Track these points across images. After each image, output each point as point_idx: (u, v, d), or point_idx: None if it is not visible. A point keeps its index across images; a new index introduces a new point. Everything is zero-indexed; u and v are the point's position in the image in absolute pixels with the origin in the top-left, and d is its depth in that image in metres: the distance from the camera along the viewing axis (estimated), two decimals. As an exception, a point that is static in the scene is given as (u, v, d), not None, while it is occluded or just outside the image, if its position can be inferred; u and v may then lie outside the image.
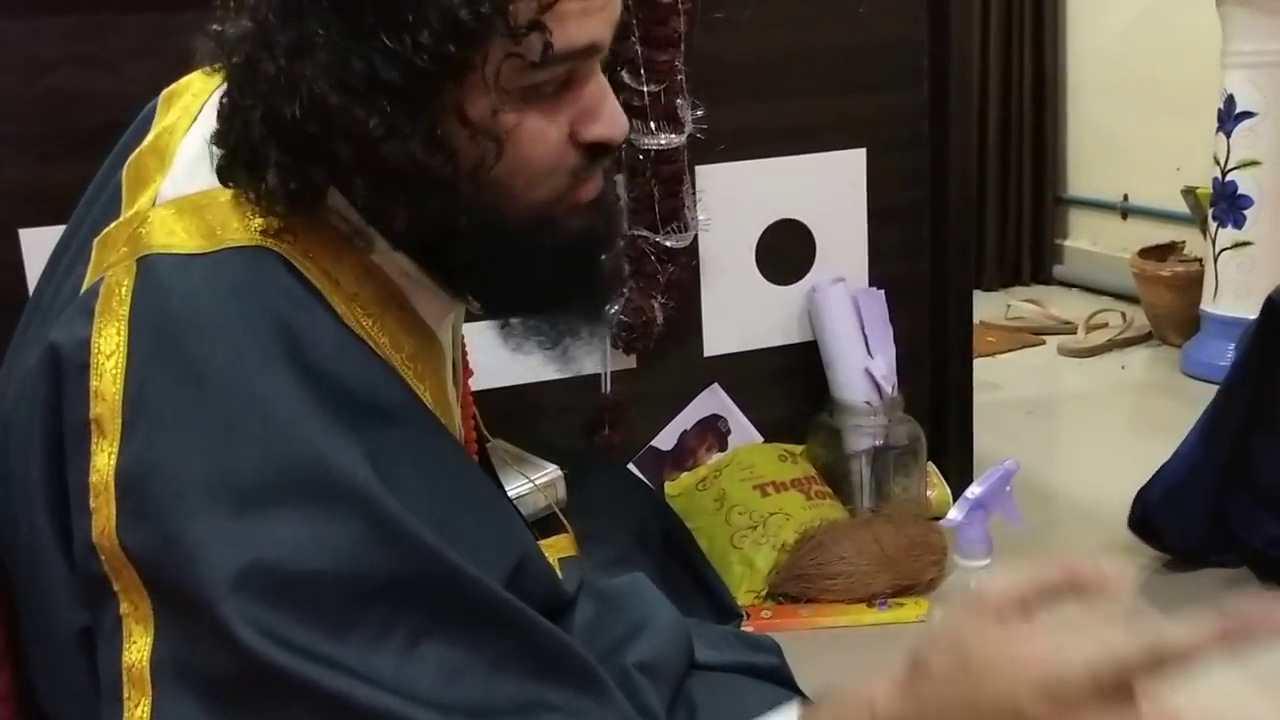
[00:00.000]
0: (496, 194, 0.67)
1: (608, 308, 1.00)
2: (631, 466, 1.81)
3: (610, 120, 0.69)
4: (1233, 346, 2.59)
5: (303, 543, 0.59)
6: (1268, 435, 1.54)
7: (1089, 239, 3.57)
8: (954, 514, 1.54)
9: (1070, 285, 3.53)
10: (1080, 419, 2.61)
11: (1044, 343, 3.00)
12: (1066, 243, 3.65)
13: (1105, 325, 3.02)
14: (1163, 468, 1.67)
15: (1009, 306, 3.24)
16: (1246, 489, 1.59)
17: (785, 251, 1.86)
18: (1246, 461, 1.57)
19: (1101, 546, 1.87)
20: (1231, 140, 2.55)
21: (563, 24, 0.63)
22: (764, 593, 1.67)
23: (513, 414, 1.61)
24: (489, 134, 0.64)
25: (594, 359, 1.73)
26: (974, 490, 1.56)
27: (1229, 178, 2.57)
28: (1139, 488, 1.71)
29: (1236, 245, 2.58)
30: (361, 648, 0.59)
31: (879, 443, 1.80)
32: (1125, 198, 3.40)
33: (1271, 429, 1.53)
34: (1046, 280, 3.59)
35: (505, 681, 0.62)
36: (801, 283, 1.87)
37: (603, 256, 0.76)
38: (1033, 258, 3.59)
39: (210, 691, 0.59)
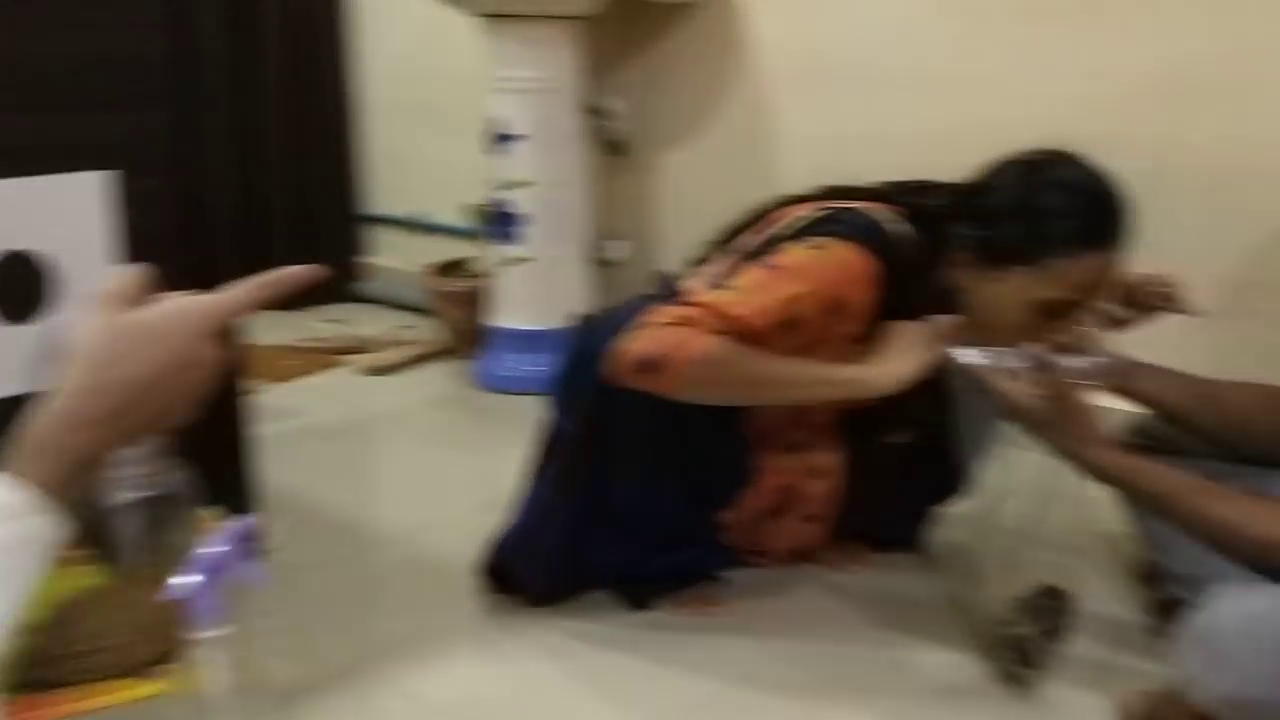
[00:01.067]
0: None
1: None
2: None
3: None
4: (517, 357, 2.75)
5: None
6: (624, 477, 1.59)
7: (391, 256, 3.61)
8: (181, 581, 1.36)
9: (376, 302, 3.55)
10: (381, 440, 2.60)
11: (347, 363, 2.97)
12: (370, 260, 3.66)
13: (406, 342, 3.06)
14: (515, 519, 1.67)
15: (311, 327, 3.17)
16: (607, 524, 1.64)
17: (19, 287, 1.60)
18: (607, 501, 1.62)
19: (407, 570, 1.86)
20: (502, 161, 2.68)
21: None
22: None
23: None
24: None
25: None
26: (202, 554, 1.40)
27: (502, 196, 2.70)
28: (484, 535, 1.71)
29: (515, 261, 2.72)
30: None
31: (144, 493, 1.61)
32: (420, 215, 3.49)
33: (628, 470, 1.59)
34: (352, 299, 3.58)
35: None
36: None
37: None
38: (335, 276, 3.56)
39: None
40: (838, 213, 1.57)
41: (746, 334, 1.46)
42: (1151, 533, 1.66)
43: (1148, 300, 1.64)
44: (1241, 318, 2.08)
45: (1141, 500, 1.34)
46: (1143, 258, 1.51)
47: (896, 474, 1.83)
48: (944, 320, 1.44)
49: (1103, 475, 1.34)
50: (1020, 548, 1.55)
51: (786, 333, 1.48)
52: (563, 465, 1.59)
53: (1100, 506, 1.57)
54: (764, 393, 1.49)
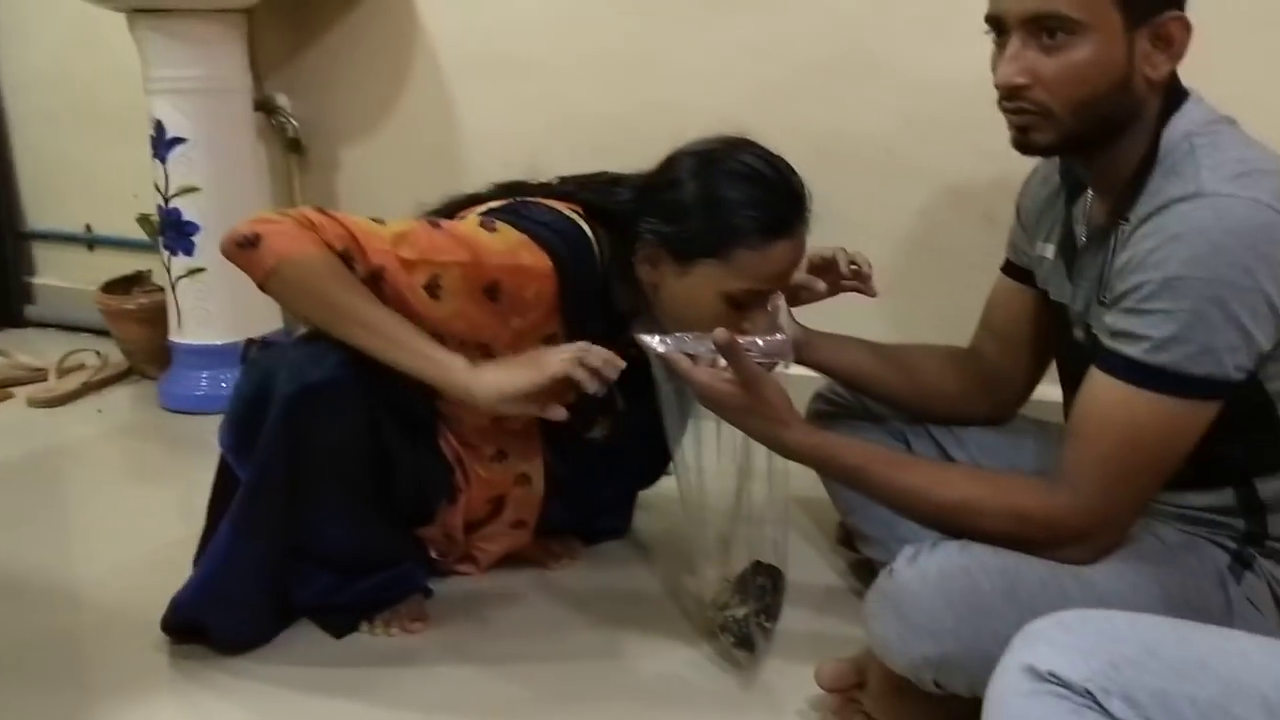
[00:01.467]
0: None
1: None
2: None
3: None
4: (205, 375, 2.57)
5: None
6: (316, 514, 1.49)
7: (59, 275, 3.32)
8: None
9: (47, 325, 3.26)
10: (63, 479, 2.34)
11: (13, 395, 2.69)
12: (36, 280, 3.35)
13: (81, 366, 2.81)
14: (202, 571, 1.51)
15: (-31, 360, 2.87)
16: (302, 561, 1.54)
17: None
18: (300, 541, 1.52)
19: (98, 623, 1.68)
20: (169, 167, 2.49)
21: None
22: None
23: None
24: None
25: None
26: None
27: (173, 204, 2.51)
28: (171, 587, 1.55)
29: (191, 273, 2.54)
30: None
31: None
32: (89, 228, 3.22)
33: (319, 507, 1.48)
34: (20, 323, 3.27)
35: None
36: None
37: None
38: (-3, 300, 3.24)
39: None
40: (518, 205, 1.53)
41: (374, 271, 1.40)
42: (843, 497, 1.70)
43: (837, 280, 1.67)
44: (915, 282, 2.17)
45: (836, 475, 1.37)
46: (821, 237, 1.54)
47: (600, 467, 1.81)
48: (596, 350, 1.41)
49: (797, 455, 1.35)
50: (727, 526, 1.55)
51: (431, 299, 1.42)
52: (247, 512, 1.47)
53: (797, 476, 1.58)
54: (346, 328, 1.39)
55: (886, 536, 1.59)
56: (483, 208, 1.54)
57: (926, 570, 1.24)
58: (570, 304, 1.51)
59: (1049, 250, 1.50)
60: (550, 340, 1.54)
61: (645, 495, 1.91)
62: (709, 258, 1.43)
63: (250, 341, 1.62)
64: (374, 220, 1.44)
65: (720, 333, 1.28)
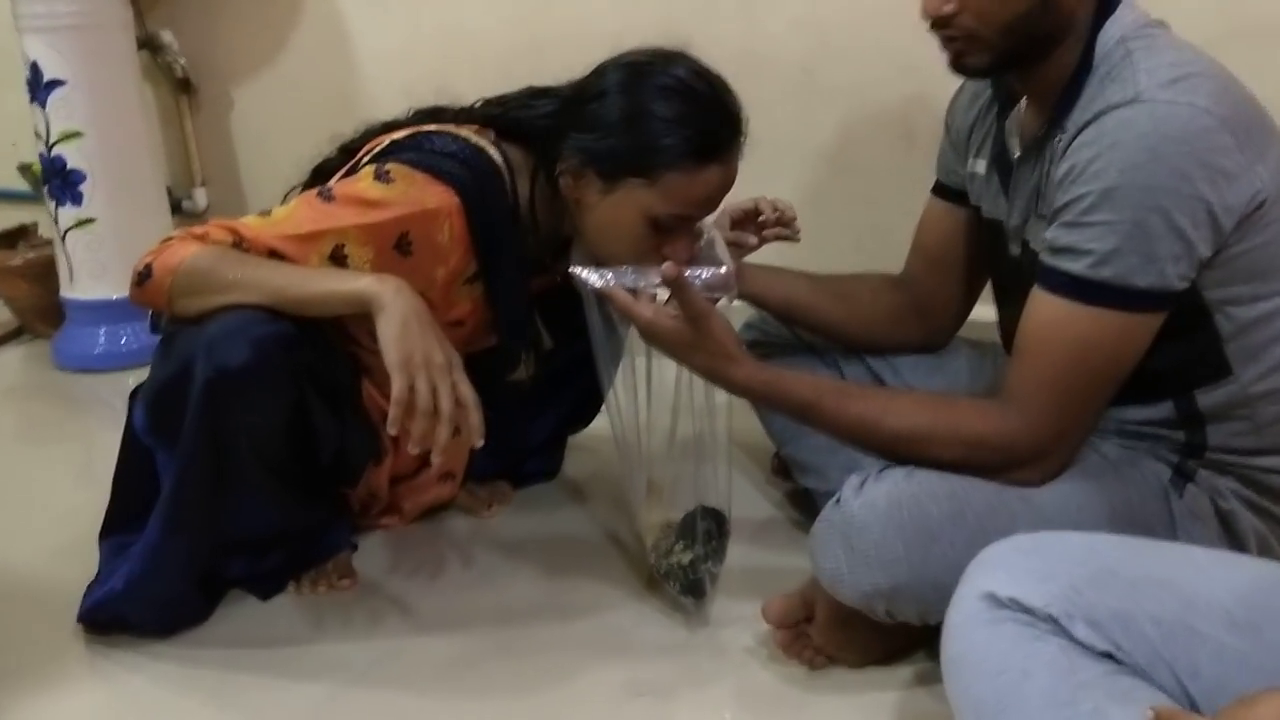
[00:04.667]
0: None
1: None
2: None
3: None
4: (102, 331, 2.44)
5: None
6: (240, 496, 1.39)
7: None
8: None
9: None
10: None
11: (-106, 363, 2.54)
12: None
13: (-35, 329, 2.66)
14: (123, 570, 1.41)
15: None
16: (230, 540, 1.46)
17: None
18: (224, 526, 1.42)
19: (5, 599, 1.57)
20: (48, 111, 2.33)
21: None
22: None
23: None
24: None
25: None
26: None
27: (55, 152, 2.36)
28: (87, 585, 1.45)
29: (80, 223, 2.40)
30: None
31: None
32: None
33: (243, 489, 1.39)
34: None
35: None
36: None
37: None
38: None
39: None
40: (421, 138, 1.44)
41: (270, 256, 1.32)
42: (779, 428, 1.66)
43: (760, 230, 1.62)
44: (833, 203, 2.13)
45: (785, 410, 1.32)
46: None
47: (529, 409, 1.75)
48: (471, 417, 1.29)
49: (745, 392, 1.30)
50: (664, 468, 1.50)
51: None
52: (175, 510, 1.37)
53: (730, 410, 1.54)
54: (254, 295, 1.29)
55: (825, 464, 1.56)
56: (384, 144, 1.45)
57: (874, 499, 1.21)
58: (481, 237, 1.42)
59: (980, 166, 1.47)
60: (473, 282, 1.46)
61: (575, 435, 1.85)
62: (635, 177, 1.36)
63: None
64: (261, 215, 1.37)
65: (668, 267, 1.22)
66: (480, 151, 1.43)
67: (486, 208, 1.41)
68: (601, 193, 1.39)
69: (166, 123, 2.65)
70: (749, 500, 1.72)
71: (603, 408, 1.61)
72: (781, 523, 1.68)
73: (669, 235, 1.39)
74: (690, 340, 1.27)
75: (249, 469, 1.36)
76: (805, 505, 1.66)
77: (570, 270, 1.34)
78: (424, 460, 1.64)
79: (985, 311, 1.57)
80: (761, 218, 1.62)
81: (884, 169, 2.09)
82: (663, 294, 1.31)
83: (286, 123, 2.55)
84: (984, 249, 1.51)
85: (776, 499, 1.75)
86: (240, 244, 1.32)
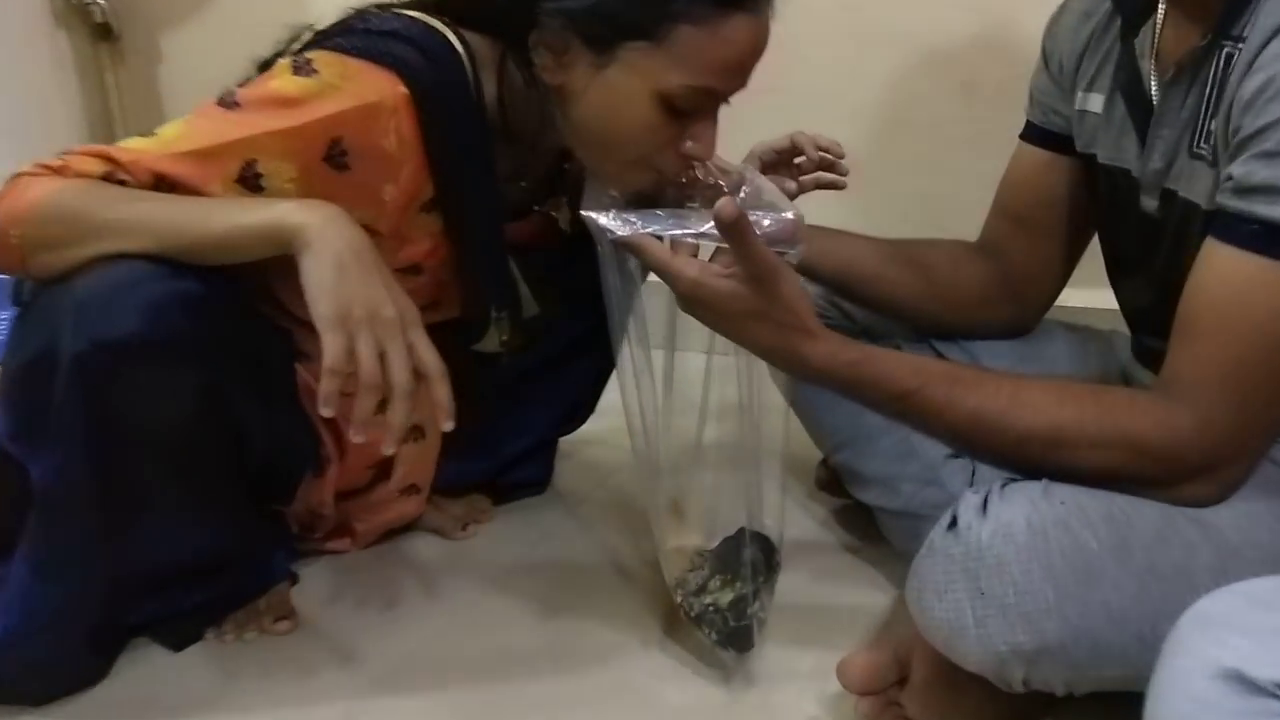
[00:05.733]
0: None
1: None
2: None
3: None
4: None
5: None
6: (143, 520, 1.05)
7: None
8: None
9: None
10: None
11: None
12: None
13: None
14: None
15: None
16: (133, 578, 1.10)
17: None
18: (125, 559, 1.07)
19: None
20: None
21: None
22: None
23: None
24: None
25: None
26: None
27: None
28: None
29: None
30: None
31: None
32: None
33: (149, 510, 1.05)
34: None
35: None
36: None
37: None
38: None
39: None
40: (352, 19, 1.09)
41: (155, 184, 0.98)
42: (832, 429, 1.34)
43: (798, 174, 1.30)
44: (883, 165, 1.81)
45: (871, 399, 0.99)
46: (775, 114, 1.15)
47: (511, 403, 1.41)
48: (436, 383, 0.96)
49: (823, 376, 0.97)
50: (688, 476, 1.18)
51: (252, 191, 1.00)
52: (46, 541, 1.02)
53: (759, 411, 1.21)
54: (136, 240, 0.95)
55: (895, 475, 1.23)
56: (305, 39, 1.10)
57: (1009, 524, 0.88)
58: (439, 141, 1.07)
59: (1094, 101, 1.18)
60: (432, 210, 1.12)
61: (568, 439, 1.52)
62: (638, 39, 1.00)
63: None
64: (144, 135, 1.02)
65: (724, 204, 0.89)
66: (431, 31, 1.07)
67: (444, 99, 1.06)
68: (592, 68, 1.03)
69: (83, 75, 2.31)
70: (790, 519, 1.38)
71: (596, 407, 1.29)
72: (833, 548, 1.35)
73: (686, 121, 1.05)
74: (752, 307, 0.94)
75: (148, 480, 1.00)
76: (860, 526, 1.34)
77: (581, 213, 1.00)
78: (379, 470, 1.31)
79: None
80: (799, 159, 1.30)
81: (938, 125, 1.78)
82: (705, 248, 0.98)
83: (224, 75, 2.18)
84: (1098, 205, 1.21)
85: (823, 517, 1.42)
86: (115, 173, 0.97)
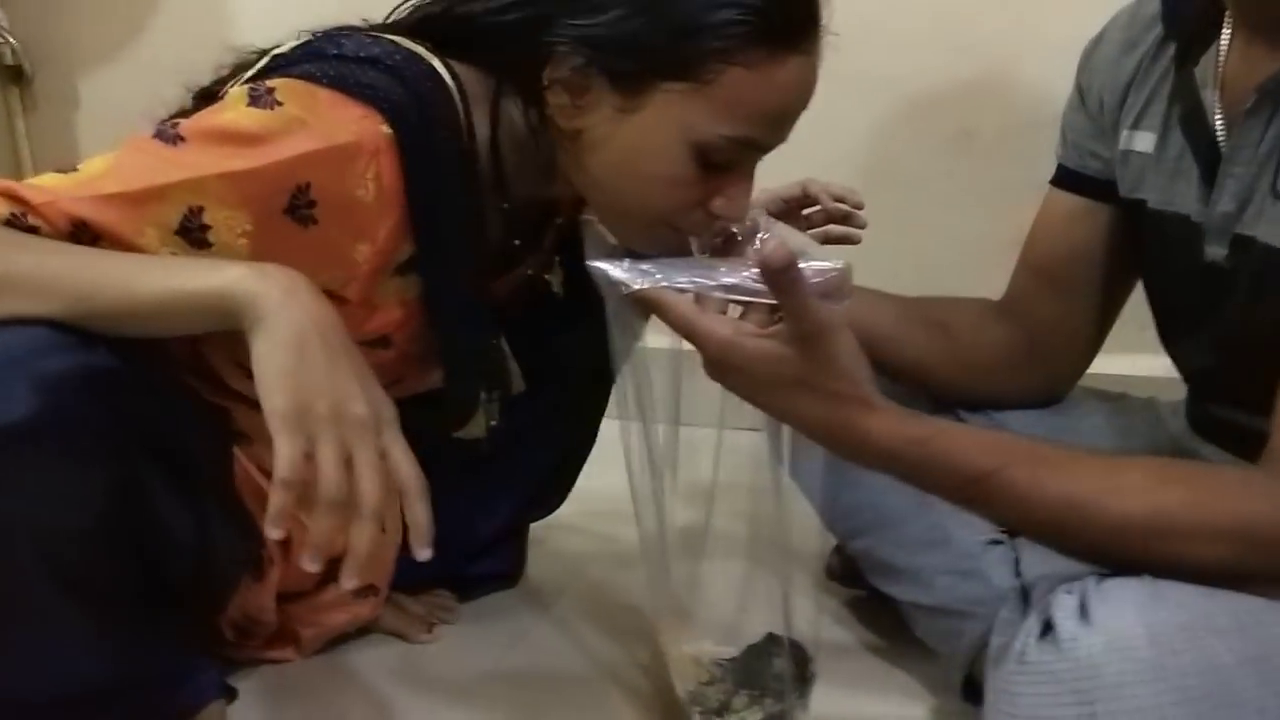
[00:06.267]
0: None
1: None
2: None
3: None
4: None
5: None
6: (44, 635, 0.85)
7: None
8: None
9: None
10: None
11: None
12: None
13: None
14: None
15: None
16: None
17: None
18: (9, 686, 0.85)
19: None
20: None
21: None
22: None
23: None
24: None
25: None
26: None
27: None
28: None
29: None
30: None
31: None
32: None
33: (40, 627, 0.84)
34: None
35: None
36: None
37: None
38: None
39: None
40: (321, 41, 0.92)
41: (72, 231, 0.80)
42: (842, 510, 1.18)
43: (815, 225, 1.17)
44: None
45: (936, 484, 0.83)
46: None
47: (477, 485, 1.24)
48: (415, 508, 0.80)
49: (881, 455, 0.81)
50: (694, 574, 1.01)
51: (196, 254, 0.83)
52: None
53: (751, 493, 1.06)
54: (67, 309, 0.77)
55: (925, 567, 1.07)
56: (262, 64, 0.94)
57: (1126, 636, 0.73)
58: (425, 194, 0.90)
59: (1143, 140, 1.06)
60: (406, 272, 0.95)
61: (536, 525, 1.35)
62: (676, 80, 0.86)
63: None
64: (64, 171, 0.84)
65: (775, 248, 0.73)
66: (416, 59, 0.91)
67: (432, 143, 0.89)
68: (618, 113, 0.88)
69: (-8, 119, 2.13)
70: (817, 623, 1.20)
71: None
72: (854, 649, 1.18)
73: (721, 177, 0.90)
74: (798, 372, 0.78)
75: (37, 588, 0.81)
76: (879, 621, 1.19)
77: (588, 264, 0.84)
78: (329, 569, 1.12)
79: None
80: (810, 210, 1.16)
81: (931, 178, 1.66)
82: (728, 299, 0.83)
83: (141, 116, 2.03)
84: (1144, 257, 1.08)
85: (835, 611, 1.25)
86: (22, 216, 0.80)
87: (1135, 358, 1.25)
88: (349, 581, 0.77)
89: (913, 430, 0.80)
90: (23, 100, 2.15)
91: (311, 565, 0.76)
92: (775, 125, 0.90)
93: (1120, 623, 0.73)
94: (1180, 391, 1.14)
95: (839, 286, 0.81)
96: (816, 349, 0.77)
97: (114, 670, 0.88)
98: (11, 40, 2.08)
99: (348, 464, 0.76)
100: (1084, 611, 0.76)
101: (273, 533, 0.73)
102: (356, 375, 0.78)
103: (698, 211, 0.90)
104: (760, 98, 0.86)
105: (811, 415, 0.80)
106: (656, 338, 0.93)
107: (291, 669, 1.14)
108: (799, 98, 0.90)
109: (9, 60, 2.09)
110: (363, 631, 1.19)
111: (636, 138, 0.88)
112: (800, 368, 0.78)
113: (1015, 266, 1.21)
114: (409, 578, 1.22)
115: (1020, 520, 0.83)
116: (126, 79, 2.11)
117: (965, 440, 0.82)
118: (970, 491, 0.81)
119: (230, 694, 1.06)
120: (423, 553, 0.79)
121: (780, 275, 0.74)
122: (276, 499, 0.73)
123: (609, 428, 1.24)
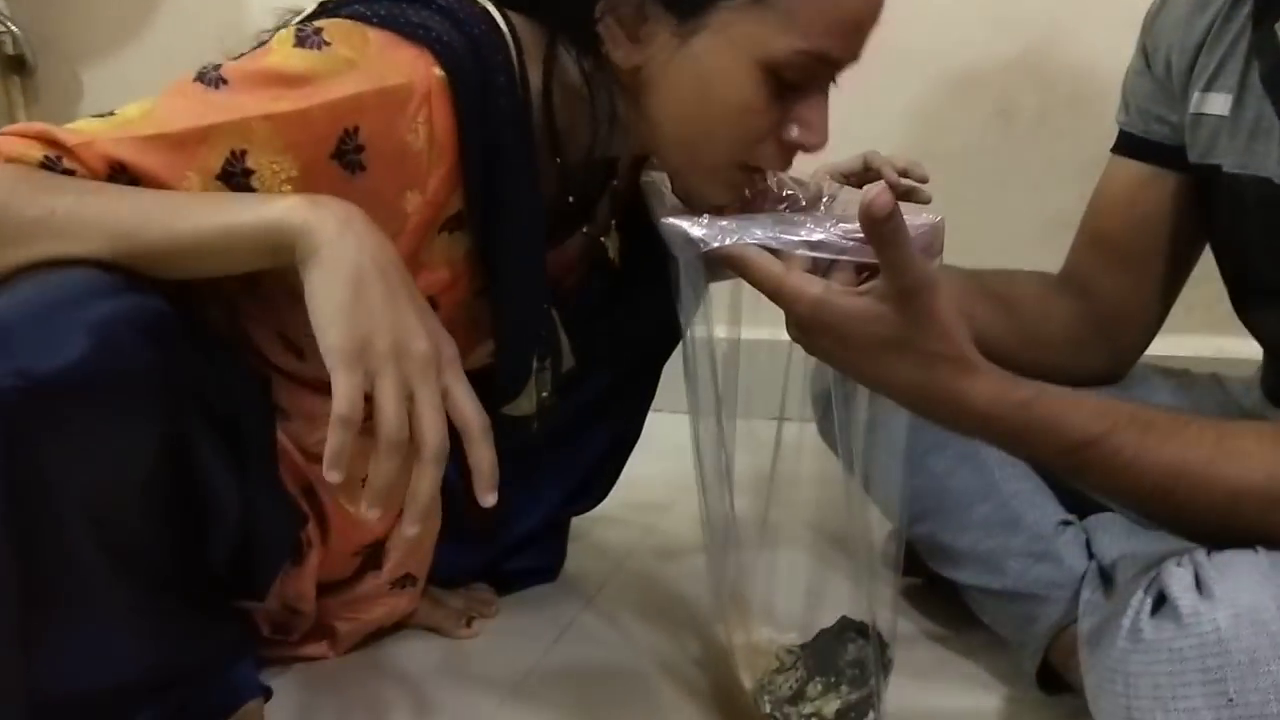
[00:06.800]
0: None
1: None
2: None
3: None
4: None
5: None
6: (82, 615, 0.79)
7: None
8: None
9: None
10: None
11: None
12: None
13: None
14: None
15: None
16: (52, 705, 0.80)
17: None
18: (45, 671, 0.78)
19: None
20: None
21: None
22: None
23: None
24: None
25: None
26: None
27: None
28: None
29: None
30: None
31: None
32: None
33: (80, 605, 0.78)
34: None
35: None
36: None
37: None
38: None
39: None
40: None
41: (109, 174, 0.76)
42: (915, 494, 1.13)
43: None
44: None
45: (1042, 451, 0.78)
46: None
47: (519, 476, 1.18)
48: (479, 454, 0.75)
49: (984, 422, 0.76)
50: (752, 561, 0.96)
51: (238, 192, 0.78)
52: None
53: (809, 484, 1.01)
54: (110, 249, 0.73)
55: (995, 550, 1.02)
56: (308, 11, 0.89)
57: (1256, 609, 0.68)
58: (480, 143, 0.85)
59: (1217, 102, 1.02)
60: (455, 229, 0.90)
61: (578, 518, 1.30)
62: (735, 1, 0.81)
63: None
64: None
65: (879, 194, 0.68)
66: (471, 2, 0.86)
67: (487, 89, 0.84)
68: (676, 39, 0.83)
69: (-7, 111, 2.09)
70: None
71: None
72: (917, 638, 1.12)
73: (794, 98, 0.85)
74: (895, 333, 0.73)
75: (83, 568, 0.75)
76: (938, 608, 1.14)
77: (661, 221, 0.79)
78: (367, 557, 1.07)
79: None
80: (889, 179, 1.12)
81: (969, 155, 1.61)
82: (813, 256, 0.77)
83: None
84: (1219, 224, 1.04)
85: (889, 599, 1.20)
86: (59, 160, 0.75)
87: (1181, 338, 1.21)
88: (410, 530, 0.71)
89: (1016, 393, 0.75)
90: (25, 91, 2.11)
91: (370, 512, 0.70)
92: (848, 35, 0.83)
93: (1248, 597, 0.68)
94: (1229, 372, 1.11)
95: (931, 243, 0.76)
96: (916, 306, 0.72)
97: (158, 658, 0.82)
98: (13, 29, 2.03)
99: (410, 398, 0.71)
100: (1199, 585, 0.71)
101: (332, 475, 0.68)
102: (416, 310, 0.74)
103: (770, 143, 0.85)
104: (830, 4, 0.81)
105: (907, 377, 0.75)
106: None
107: (326, 666, 1.09)
108: (871, 4, 0.84)
109: (10, 50, 2.05)
110: (397, 627, 1.14)
111: (700, 64, 0.82)
112: (898, 327, 0.73)
113: (1074, 238, 1.17)
114: (448, 572, 1.17)
115: (1124, 488, 0.77)
116: (131, 69, 2.06)
117: (1070, 404, 0.77)
118: (1073, 458, 0.76)
119: (266, 693, 1.01)
120: (488, 498, 0.73)
121: (883, 225, 0.69)
122: (335, 438, 0.68)
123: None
